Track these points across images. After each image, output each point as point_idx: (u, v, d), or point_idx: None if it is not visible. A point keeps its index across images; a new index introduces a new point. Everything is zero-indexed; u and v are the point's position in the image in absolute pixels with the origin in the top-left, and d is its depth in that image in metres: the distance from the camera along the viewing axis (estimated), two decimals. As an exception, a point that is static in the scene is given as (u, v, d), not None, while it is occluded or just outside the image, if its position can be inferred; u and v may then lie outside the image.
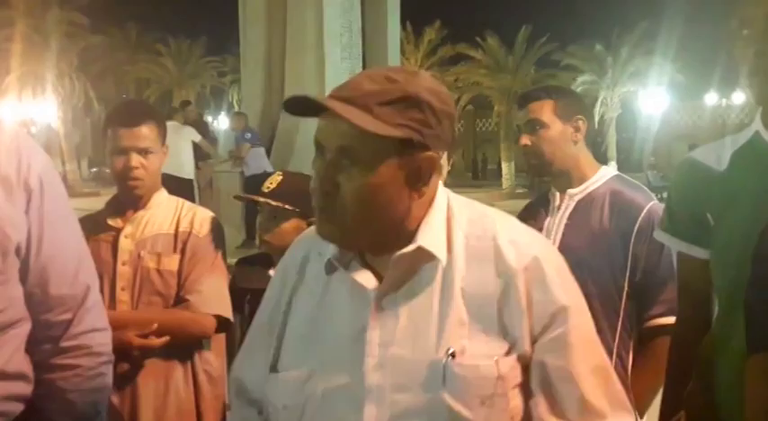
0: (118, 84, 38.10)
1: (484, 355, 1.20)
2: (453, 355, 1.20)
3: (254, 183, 8.15)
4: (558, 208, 2.35)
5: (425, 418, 1.20)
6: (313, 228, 1.33)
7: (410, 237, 1.26)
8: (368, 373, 1.23)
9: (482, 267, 1.25)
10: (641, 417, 2.23)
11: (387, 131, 1.19)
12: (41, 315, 1.51)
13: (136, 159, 2.38)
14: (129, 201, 2.46)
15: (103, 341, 1.60)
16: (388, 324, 1.24)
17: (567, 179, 2.36)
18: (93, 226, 2.42)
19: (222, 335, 2.50)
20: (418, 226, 1.27)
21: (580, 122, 2.34)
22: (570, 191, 2.34)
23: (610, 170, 2.40)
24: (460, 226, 1.29)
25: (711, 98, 33.90)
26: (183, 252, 2.40)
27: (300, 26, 11.50)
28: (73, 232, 1.59)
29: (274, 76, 12.04)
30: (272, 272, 2.60)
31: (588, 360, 1.25)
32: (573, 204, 2.32)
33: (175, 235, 2.42)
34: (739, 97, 30.43)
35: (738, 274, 1.43)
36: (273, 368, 1.35)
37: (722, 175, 1.57)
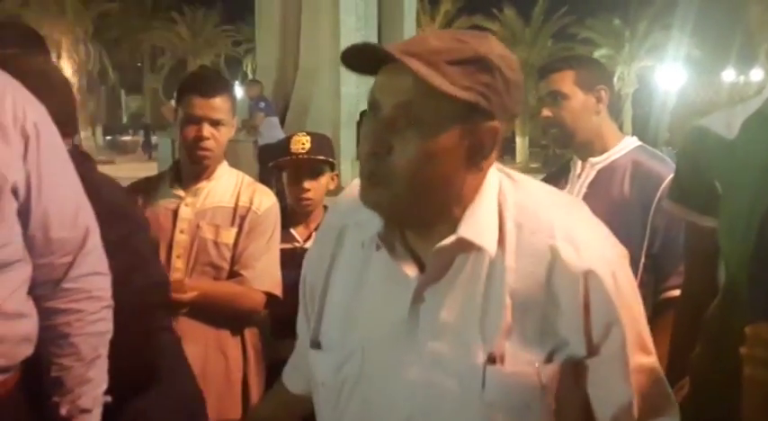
0: (133, 51, 38.00)
1: (525, 362, 1.13)
2: (494, 360, 1.12)
3: (275, 150, 8.14)
4: (579, 176, 2.34)
5: (461, 417, 1.15)
6: (347, 193, 1.28)
7: (455, 222, 1.14)
8: (407, 366, 1.17)
9: (535, 266, 1.13)
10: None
11: (455, 91, 1.07)
12: (43, 258, 1.54)
13: (207, 130, 2.38)
14: (193, 170, 2.46)
15: (103, 285, 1.63)
16: (428, 317, 1.16)
17: (588, 149, 2.34)
18: (154, 191, 2.47)
19: (266, 312, 2.53)
20: (465, 208, 1.15)
21: (602, 92, 2.32)
22: (592, 159, 2.33)
23: (633, 140, 2.38)
24: (512, 214, 1.16)
25: (729, 74, 33.45)
26: (240, 226, 2.41)
27: (316, -5, 11.44)
28: (70, 177, 1.62)
29: (289, 46, 12.01)
30: (293, 230, 2.68)
31: (639, 372, 1.20)
32: (594, 173, 2.31)
33: (235, 208, 2.43)
34: (757, 74, 30.04)
35: (746, 242, 1.42)
36: (314, 342, 1.31)
37: (732, 143, 1.55)
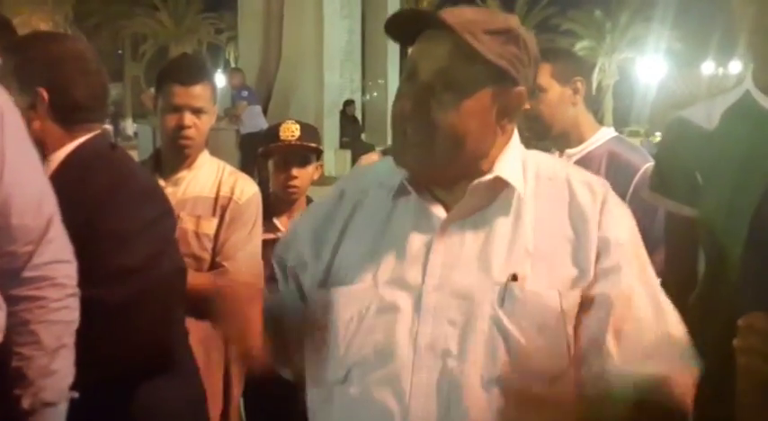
0: (113, 38, 37.64)
1: (546, 285, 1.20)
2: (516, 278, 1.19)
3: (258, 138, 8.10)
4: (556, 168, 2.37)
5: (480, 340, 1.18)
6: (366, 161, 1.30)
7: (482, 173, 1.25)
8: (426, 293, 1.21)
9: (555, 205, 1.26)
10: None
11: (492, 58, 1.19)
12: (5, 246, 1.50)
13: (189, 118, 2.35)
14: (174, 159, 2.43)
15: (68, 273, 1.58)
16: (453, 248, 1.24)
17: (565, 140, 2.37)
18: None
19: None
20: (492, 163, 1.26)
21: (579, 84, 2.34)
22: (568, 151, 2.36)
23: (609, 131, 2.41)
24: (532, 168, 1.30)
25: (708, 67, 33.73)
26: (221, 217, 2.38)
27: (299, -17, 11.39)
28: (34, 164, 1.58)
29: (272, 34, 11.96)
30: (275, 220, 2.68)
31: (635, 301, 1.24)
32: None
33: (216, 199, 2.39)
34: (736, 66, 30.29)
35: (727, 232, 1.44)
36: (323, 284, 1.32)
37: (712, 134, 1.57)
